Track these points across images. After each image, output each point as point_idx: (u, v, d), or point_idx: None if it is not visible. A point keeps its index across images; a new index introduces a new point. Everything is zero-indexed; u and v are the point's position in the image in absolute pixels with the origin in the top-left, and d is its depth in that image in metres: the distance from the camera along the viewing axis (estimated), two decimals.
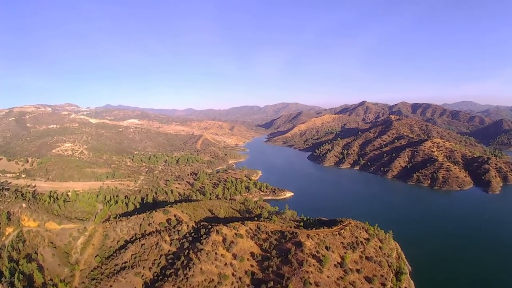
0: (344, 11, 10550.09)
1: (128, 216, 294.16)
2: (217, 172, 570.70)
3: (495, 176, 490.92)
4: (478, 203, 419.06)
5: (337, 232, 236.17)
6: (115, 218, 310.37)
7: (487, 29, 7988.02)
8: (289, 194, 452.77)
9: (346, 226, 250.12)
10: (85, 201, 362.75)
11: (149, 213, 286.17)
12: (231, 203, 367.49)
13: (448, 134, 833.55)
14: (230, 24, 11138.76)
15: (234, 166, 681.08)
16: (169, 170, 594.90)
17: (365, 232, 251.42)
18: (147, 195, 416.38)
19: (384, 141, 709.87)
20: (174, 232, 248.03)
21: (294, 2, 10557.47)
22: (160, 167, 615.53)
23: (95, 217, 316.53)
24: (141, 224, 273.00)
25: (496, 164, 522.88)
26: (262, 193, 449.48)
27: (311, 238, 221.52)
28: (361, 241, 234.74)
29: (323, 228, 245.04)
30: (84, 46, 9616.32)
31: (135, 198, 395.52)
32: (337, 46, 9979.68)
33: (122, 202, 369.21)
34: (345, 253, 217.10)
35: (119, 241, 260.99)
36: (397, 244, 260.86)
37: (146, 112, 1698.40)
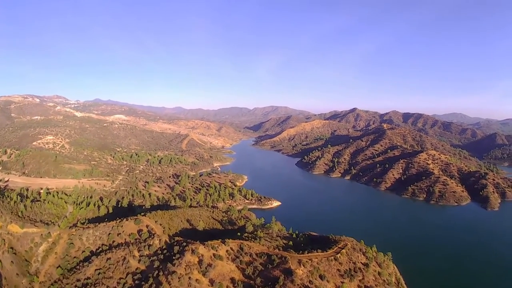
0: (342, 17, 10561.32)
1: (97, 223, 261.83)
2: (200, 175, 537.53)
3: (493, 192, 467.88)
4: (478, 220, 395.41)
5: (332, 257, 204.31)
6: (82, 223, 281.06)
7: (481, 42, 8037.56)
8: (276, 203, 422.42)
9: (342, 248, 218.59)
10: (55, 202, 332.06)
11: (119, 222, 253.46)
12: (213, 212, 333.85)
13: (442, 146, 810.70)
14: (227, 25, 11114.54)
15: (219, 169, 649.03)
16: (150, 171, 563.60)
17: (362, 255, 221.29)
18: (123, 197, 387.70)
19: (376, 150, 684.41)
20: (145, 246, 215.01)
21: (293, 6, 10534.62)
22: (141, 167, 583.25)
23: (61, 222, 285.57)
24: (109, 234, 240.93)
25: (493, 180, 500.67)
26: (247, 201, 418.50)
27: (303, 265, 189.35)
28: (359, 267, 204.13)
29: (316, 252, 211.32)
30: (80, 39, 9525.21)
31: (110, 200, 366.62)
32: (332, 52, 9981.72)
33: (94, 205, 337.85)
34: (342, 282, 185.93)
35: (84, 251, 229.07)
36: (396, 268, 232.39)
37: (133, 108, 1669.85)
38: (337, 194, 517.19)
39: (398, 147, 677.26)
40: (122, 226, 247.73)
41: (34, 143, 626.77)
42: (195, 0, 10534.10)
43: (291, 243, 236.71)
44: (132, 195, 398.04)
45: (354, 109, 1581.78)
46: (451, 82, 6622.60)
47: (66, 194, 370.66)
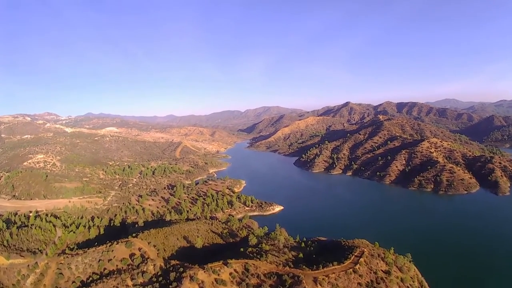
0: (328, 14, 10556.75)
1: (86, 248, 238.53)
2: (196, 184, 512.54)
3: (502, 176, 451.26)
4: (492, 208, 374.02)
5: (351, 269, 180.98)
6: (71, 249, 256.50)
7: (469, 27, 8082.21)
8: (278, 208, 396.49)
9: (359, 257, 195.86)
10: (43, 226, 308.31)
11: (110, 245, 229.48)
12: (212, 224, 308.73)
13: (442, 132, 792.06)
14: (212, 29, 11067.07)
15: (215, 175, 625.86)
16: (144, 183, 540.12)
17: (382, 262, 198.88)
18: (115, 215, 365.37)
19: (376, 143, 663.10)
20: (138, 273, 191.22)
21: (278, 6, 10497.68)
22: (135, 180, 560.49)
23: (49, 249, 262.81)
24: (99, 260, 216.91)
25: (500, 163, 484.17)
26: (248, 208, 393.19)
27: (320, 284, 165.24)
28: (381, 277, 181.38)
29: (332, 265, 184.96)
30: (66, 53, 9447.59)
31: (101, 220, 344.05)
32: (321, 49, 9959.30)
33: (85, 227, 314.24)
34: None
35: (74, 281, 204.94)
36: (416, 269, 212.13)
37: (125, 120, 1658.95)
38: (341, 192, 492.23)
39: (398, 137, 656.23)
40: (112, 250, 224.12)
41: (25, 163, 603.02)
42: (178, 7, 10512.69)
43: (301, 255, 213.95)
44: (125, 212, 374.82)
45: (347, 103, 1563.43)
46: (441, 69, 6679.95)
47: (55, 217, 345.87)
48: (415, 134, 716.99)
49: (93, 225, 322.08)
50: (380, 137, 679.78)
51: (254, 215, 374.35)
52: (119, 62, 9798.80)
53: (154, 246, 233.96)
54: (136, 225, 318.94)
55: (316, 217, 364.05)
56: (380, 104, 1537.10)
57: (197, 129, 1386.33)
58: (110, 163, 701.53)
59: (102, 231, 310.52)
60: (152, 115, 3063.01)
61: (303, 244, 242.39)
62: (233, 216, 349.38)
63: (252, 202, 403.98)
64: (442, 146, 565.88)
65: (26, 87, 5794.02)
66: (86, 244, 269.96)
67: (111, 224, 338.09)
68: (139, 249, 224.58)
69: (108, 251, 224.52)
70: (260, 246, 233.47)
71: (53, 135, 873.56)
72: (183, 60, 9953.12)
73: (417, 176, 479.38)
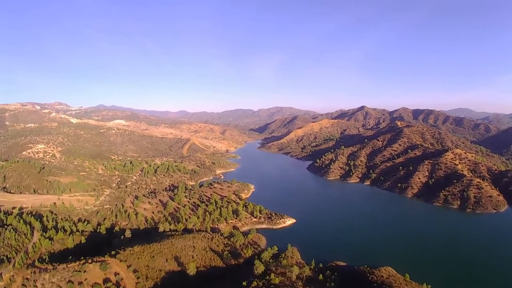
0: (343, 16, 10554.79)
1: (57, 264, 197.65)
2: (200, 186, 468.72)
3: None
4: None
5: None
6: (43, 261, 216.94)
7: (484, 37, 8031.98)
8: (289, 221, 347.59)
9: None
10: (19, 228, 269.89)
11: (83, 265, 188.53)
12: (212, 239, 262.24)
13: (463, 143, 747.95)
14: (227, 26, 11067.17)
15: (222, 177, 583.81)
16: (144, 182, 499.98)
17: None
18: (104, 219, 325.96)
19: (395, 150, 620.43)
20: None
21: (293, 6, 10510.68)
22: (135, 178, 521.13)
23: (17, 259, 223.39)
24: (69, 282, 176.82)
25: None
26: (255, 219, 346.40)
27: None
28: None
29: None
30: (79, 44, 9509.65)
31: (87, 224, 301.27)
32: (335, 51, 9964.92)
33: (65, 232, 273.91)
34: None
35: None
36: None
37: (136, 113, 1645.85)
38: (359, 203, 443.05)
39: (419, 146, 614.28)
40: (85, 271, 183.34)
41: (24, 152, 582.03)
42: (194, 2, 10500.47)
43: None
44: (116, 216, 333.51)
45: (362, 107, 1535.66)
46: (454, 78, 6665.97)
47: (36, 217, 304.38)
48: (435, 143, 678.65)
49: (76, 231, 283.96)
50: (400, 145, 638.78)
51: (262, 228, 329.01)
52: (133, 55, 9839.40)
53: (135, 271, 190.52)
54: (123, 236, 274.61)
55: (333, 233, 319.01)
56: (396, 110, 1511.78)
57: (208, 126, 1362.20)
58: (113, 157, 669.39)
59: (83, 240, 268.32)
60: (164, 110, 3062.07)
61: (321, 277, 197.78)
62: (237, 229, 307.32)
63: (260, 213, 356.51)
64: (467, 158, 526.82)
65: (38, 76, 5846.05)
66: (62, 255, 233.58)
67: (98, 230, 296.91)
68: (115, 274, 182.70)
69: (80, 271, 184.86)
70: (268, 277, 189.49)
71: (57, 125, 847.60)
72: (197, 57, 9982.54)
73: (442, 191, 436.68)
